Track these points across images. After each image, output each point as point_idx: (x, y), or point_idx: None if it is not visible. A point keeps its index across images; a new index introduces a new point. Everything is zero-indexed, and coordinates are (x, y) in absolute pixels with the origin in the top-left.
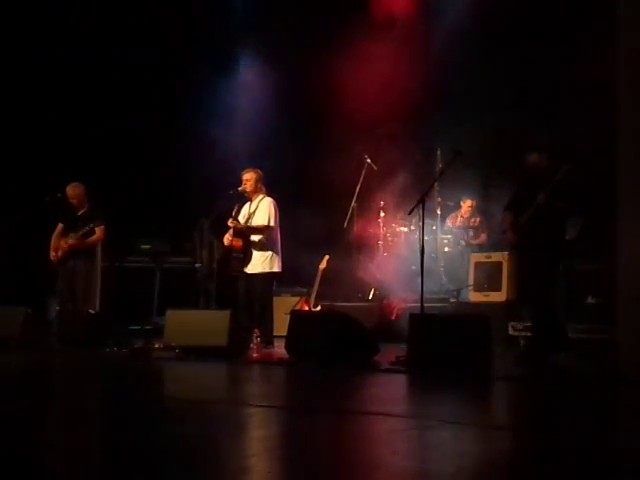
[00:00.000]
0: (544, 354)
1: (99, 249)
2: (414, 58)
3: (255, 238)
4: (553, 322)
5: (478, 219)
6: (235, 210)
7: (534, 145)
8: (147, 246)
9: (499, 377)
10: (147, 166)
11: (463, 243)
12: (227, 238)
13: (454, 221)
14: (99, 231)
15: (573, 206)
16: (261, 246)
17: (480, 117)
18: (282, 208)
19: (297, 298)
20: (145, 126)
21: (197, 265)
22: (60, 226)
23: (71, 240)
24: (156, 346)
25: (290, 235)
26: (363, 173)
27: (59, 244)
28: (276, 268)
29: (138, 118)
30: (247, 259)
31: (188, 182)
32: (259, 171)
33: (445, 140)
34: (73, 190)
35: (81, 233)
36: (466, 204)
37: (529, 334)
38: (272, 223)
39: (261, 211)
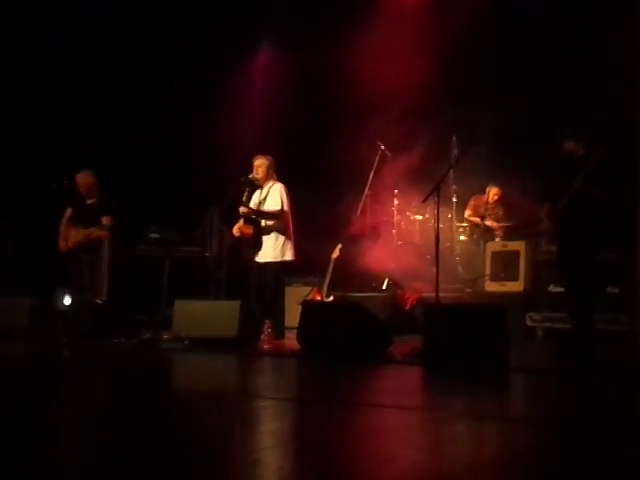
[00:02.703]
0: (590, 345)
1: (107, 239)
2: (431, 42)
3: (267, 224)
4: (587, 313)
5: (501, 212)
6: (245, 196)
7: (570, 133)
8: (156, 235)
9: (516, 369)
10: (156, 154)
11: (476, 237)
12: (236, 229)
13: (475, 210)
14: (106, 222)
15: (610, 193)
16: (272, 232)
17: (498, 103)
18: (294, 196)
19: (309, 288)
20: (154, 113)
21: (207, 254)
22: (69, 211)
23: (79, 235)
24: (165, 337)
25: (302, 223)
26: (377, 160)
27: (68, 231)
28: (288, 256)
29: (147, 104)
30: (258, 247)
31: (198, 170)
32: (270, 157)
33: (461, 126)
34: (83, 179)
35: (88, 232)
36: (492, 192)
37: (548, 325)
38: (285, 208)
39: (272, 197)
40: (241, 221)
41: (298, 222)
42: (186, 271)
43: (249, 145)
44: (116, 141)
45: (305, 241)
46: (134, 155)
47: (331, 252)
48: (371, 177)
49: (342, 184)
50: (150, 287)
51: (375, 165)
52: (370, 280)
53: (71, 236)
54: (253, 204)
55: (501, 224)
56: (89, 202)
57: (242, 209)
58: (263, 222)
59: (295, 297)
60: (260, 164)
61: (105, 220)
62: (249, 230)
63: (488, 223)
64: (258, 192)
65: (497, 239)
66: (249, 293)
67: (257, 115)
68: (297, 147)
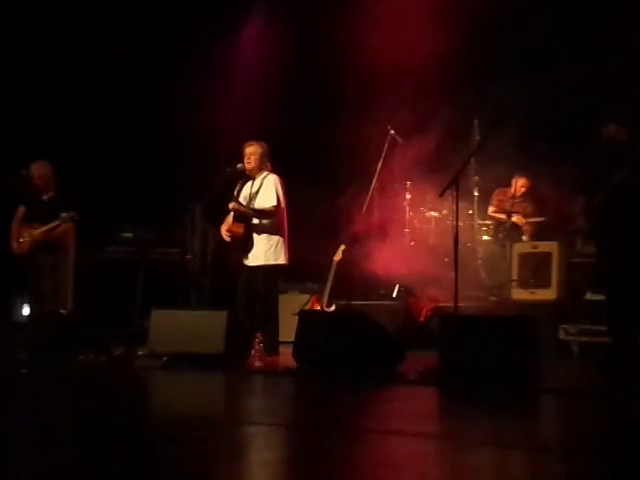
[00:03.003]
0: (633, 363)
1: (71, 239)
2: (450, 7)
3: (259, 222)
4: (630, 326)
5: (530, 207)
6: (237, 190)
7: (612, 114)
8: (129, 234)
9: (548, 390)
10: (130, 141)
11: (501, 236)
12: (225, 231)
13: (499, 205)
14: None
15: None
16: (265, 231)
17: (528, 79)
18: (289, 189)
19: (307, 296)
20: (127, 94)
21: (188, 256)
22: (22, 209)
23: (36, 233)
24: (140, 353)
25: (298, 221)
26: (386, 147)
27: (22, 232)
28: (282, 260)
29: (117, 87)
30: (248, 249)
31: (178, 160)
32: (264, 144)
33: (484, 107)
34: (39, 169)
35: (47, 228)
36: (519, 183)
37: (584, 339)
38: (280, 204)
39: (266, 190)
40: (230, 219)
41: (294, 220)
42: (164, 276)
43: (237, 131)
44: (82, 129)
45: (302, 242)
46: (104, 144)
47: (333, 254)
48: (379, 167)
49: (345, 175)
50: (122, 295)
51: (384, 153)
52: (378, 287)
53: (25, 236)
54: (243, 198)
55: (529, 220)
56: (46, 197)
57: (232, 205)
58: (255, 220)
59: (290, 306)
60: (252, 152)
61: (68, 214)
62: (239, 229)
63: (515, 219)
64: (249, 185)
65: (524, 237)
66: (237, 302)
67: (246, 96)
68: (293, 132)
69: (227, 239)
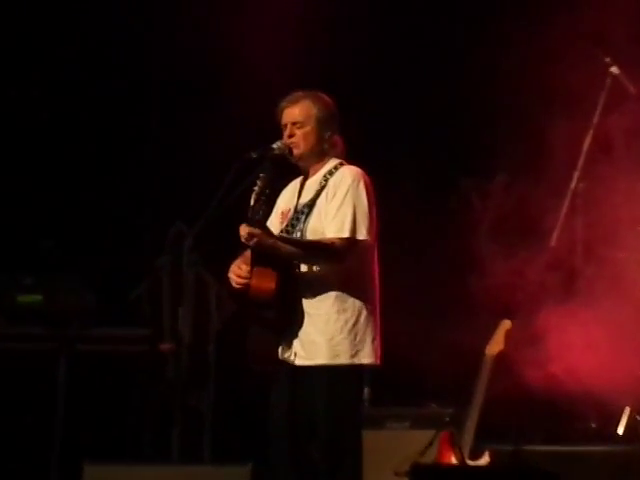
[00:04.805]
0: None
1: None
2: None
3: (311, 269)
4: None
5: None
6: (256, 193)
7: None
8: (36, 298)
9: None
10: (48, 102)
11: None
12: (235, 278)
13: None
14: None
15: None
16: (327, 290)
17: None
18: (382, 199)
19: (429, 433)
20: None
21: (165, 345)
22: None
23: None
24: None
25: (404, 270)
26: (602, 99)
27: None
28: (367, 355)
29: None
30: (292, 330)
31: (144, 148)
32: (326, 99)
33: None
34: None
35: None
36: None
37: None
38: (362, 234)
39: (332, 201)
40: (245, 260)
41: (393, 266)
42: (113, 388)
43: (273, 77)
44: None
45: (412, 313)
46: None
47: (485, 342)
48: (587, 144)
49: (509, 166)
50: (22, 430)
51: (598, 111)
52: (584, 413)
53: None
54: (279, 218)
55: None
56: None
57: (246, 230)
58: (303, 266)
59: (390, 455)
60: (298, 116)
61: None
62: (267, 284)
63: None
64: (294, 186)
65: None
66: (272, 445)
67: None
68: (383, 75)
69: (236, 295)
